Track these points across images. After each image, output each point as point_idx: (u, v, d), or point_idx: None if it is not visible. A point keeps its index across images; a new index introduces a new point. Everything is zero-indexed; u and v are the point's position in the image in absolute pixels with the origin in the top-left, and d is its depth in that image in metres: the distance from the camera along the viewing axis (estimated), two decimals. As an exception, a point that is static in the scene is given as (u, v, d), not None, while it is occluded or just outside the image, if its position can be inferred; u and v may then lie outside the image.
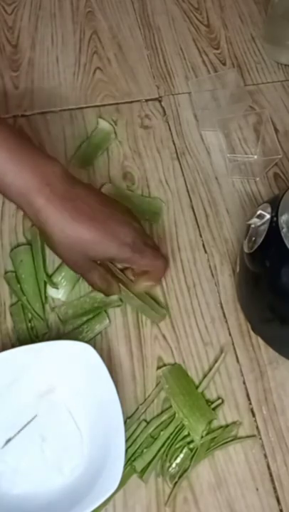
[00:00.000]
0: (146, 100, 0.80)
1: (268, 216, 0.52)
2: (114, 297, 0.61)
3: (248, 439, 0.55)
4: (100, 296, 0.61)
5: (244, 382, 0.58)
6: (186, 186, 0.72)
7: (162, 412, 0.55)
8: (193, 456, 0.53)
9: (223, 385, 0.58)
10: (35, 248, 0.63)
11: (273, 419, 0.56)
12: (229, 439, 0.55)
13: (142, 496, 0.52)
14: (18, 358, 0.53)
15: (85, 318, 0.60)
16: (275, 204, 0.52)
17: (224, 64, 0.85)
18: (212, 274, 0.65)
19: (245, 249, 0.55)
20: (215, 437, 0.54)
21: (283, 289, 0.51)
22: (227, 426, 0.55)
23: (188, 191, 0.71)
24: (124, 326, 0.61)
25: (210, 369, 0.58)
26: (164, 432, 0.54)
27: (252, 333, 0.61)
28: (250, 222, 0.54)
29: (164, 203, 0.70)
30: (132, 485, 0.52)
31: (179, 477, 0.52)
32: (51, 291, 0.62)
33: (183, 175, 0.73)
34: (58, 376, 0.55)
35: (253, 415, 0.56)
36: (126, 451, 0.50)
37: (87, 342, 0.54)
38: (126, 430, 0.51)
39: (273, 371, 0.59)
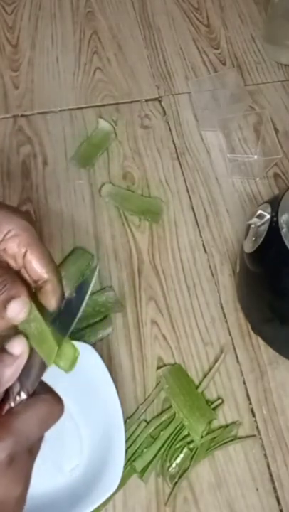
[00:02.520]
0: (146, 100, 0.80)
1: (267, 216, 0.52)
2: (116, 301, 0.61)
3: (248, 439, 0.55)
4: (101, 299, 0.61)
5: (244, 382, 0.58)
6: (186, 186, 0.72)
7: (162, 412, 0.55)
8: (193, 456, 0.53)
9: (223, 385, 0.58)
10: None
11: (273, 419, 0.56)
12: (229, 439, 0.55)
13: (142, 496, 0.52)
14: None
15: (88, 322, 0.60)
16: (275, 204, 0.52)
17: (224, 64, 0.85)
18: (212, 274, 0.65)
19: (245, 249, 0.55)
20: (215, 437, 0.54)
21: (283, 289, 0.51)
22: (227, 426, 0.55)
23: (188, 191, 0.71)
24: (124, 326, 0.61)
25: (210, 369, 0.58)
26: (164, 432, 0.54)
27: (252, 333, 0.61)
28: (250, 222, 0.54)
29: (164, 202, 0.70)
30: (132, 485, 0.52)
31: (179, 477, 0.52)
32: (51, 291, 0.61)
33: (183, 175, 0.73)
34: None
35: (253, 415, 0.56)
36: (126, 451, 0.50)
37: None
38: (126, 430, 0.51)
39: (273, 371, 0.59)
